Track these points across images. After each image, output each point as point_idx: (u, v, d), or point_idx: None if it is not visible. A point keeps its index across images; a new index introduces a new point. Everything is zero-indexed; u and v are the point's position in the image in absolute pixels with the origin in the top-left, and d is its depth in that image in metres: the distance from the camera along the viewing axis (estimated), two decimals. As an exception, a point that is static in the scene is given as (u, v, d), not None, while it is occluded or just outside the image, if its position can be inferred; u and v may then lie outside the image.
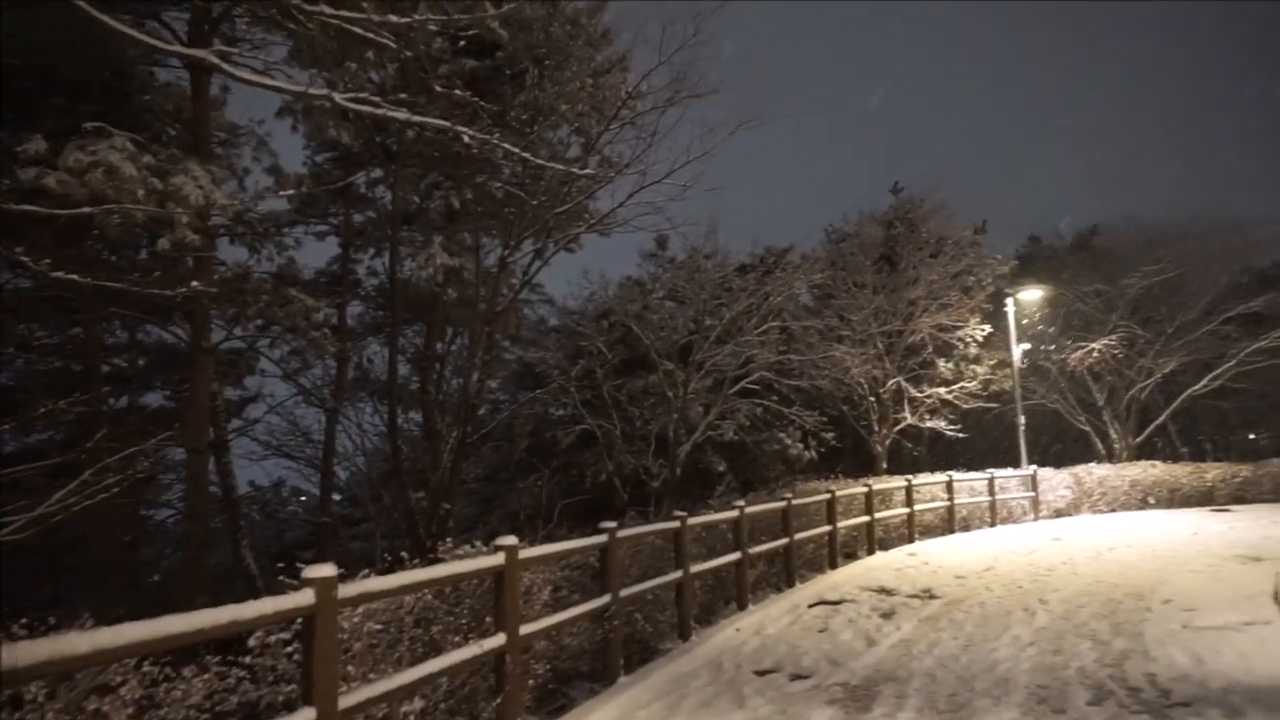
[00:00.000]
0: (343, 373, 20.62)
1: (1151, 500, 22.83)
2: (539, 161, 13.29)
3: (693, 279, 22.79)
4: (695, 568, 8.88)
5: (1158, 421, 27.98)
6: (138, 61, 13.78)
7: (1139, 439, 27.90)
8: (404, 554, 6.44)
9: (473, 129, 10.32)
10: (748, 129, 15.17)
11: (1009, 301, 24.14)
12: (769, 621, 9.32)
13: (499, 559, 5.57)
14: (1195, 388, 26.92)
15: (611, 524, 7.31)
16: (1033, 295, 25.42)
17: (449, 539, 7.08)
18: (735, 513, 10.11)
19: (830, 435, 23.63)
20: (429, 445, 18.09)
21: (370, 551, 20.06)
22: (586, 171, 15.15)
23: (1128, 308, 26.82)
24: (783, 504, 11.60)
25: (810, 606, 10.04)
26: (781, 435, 23.87)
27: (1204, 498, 23.31)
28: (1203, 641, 7.37)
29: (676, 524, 8.58)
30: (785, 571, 11.48)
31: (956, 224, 26.17)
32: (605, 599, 6.99)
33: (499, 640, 5.46)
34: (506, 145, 11.02)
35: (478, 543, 6.84)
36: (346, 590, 4.21)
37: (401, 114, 8.84)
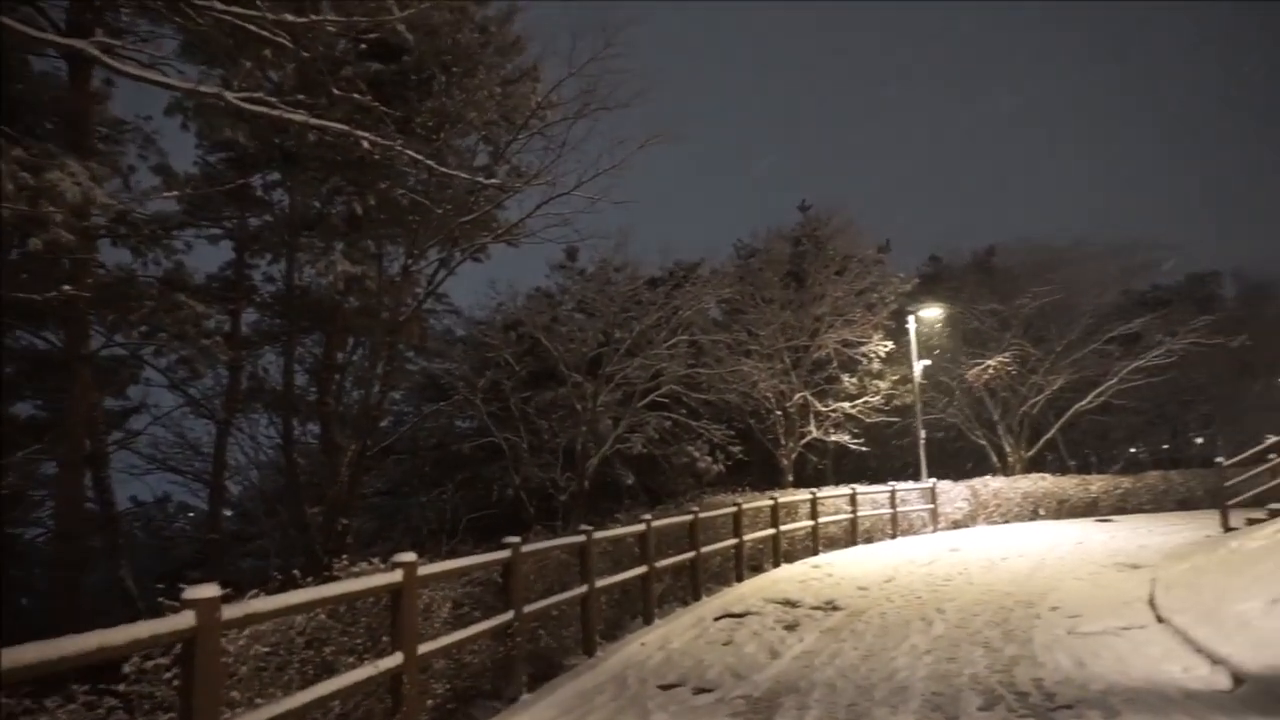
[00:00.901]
0: (235, 382, 19.85)
1: (1042, 511, 23.95)
2: (445, 170, 13.14)
3: (603, 291, 22.85)
4: (601, 582, 8.86)
5: (1048, 436, 29.38)
6: (11, 48, 13.02)
7: (1031, 452, 29.25)
8: (297, 572, 6.22)
9: (377, 134, 10.12)
10: (657, 144, 15.35)
11: (911, 318, 25.05)
12: (675, 635, 9.37)
13: (396, 576, 5.44)
14: (1082, 403, 28.41)
15: (515, 539, 7.24)
16: (933, 313, 26.44)
17: (346, 556, 6.88)
18: (642, 526, 10.14)
19: (738, 449, 23.97)
20: (327, 459, 17.56)
21: (264, 569, 19.30)
22: (493, 181, 15.07)
23: (1021, 326, 28.14)
24: (689, 517, 11.70)
25: (716, 619, 10.13)
26: (690, 448, 24.09)
27: (1089, 508, 24.61)
28: (1085, 646, 7.75)
29: (582, 538, 8.55)
30: (692, 585, 11.56)
31: (861, 242, 27.07)
32: (508, 615, 6.90)
33: (396, 660, 5.33)
34: (410, 152, 10.86)
35: (376, 559, 6.67)
36: (231, 611, 4.03)
37: (299, 116, 8.60)
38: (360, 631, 5.70)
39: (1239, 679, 6.11)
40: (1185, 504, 24.93)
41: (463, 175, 14.39)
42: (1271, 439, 15.96)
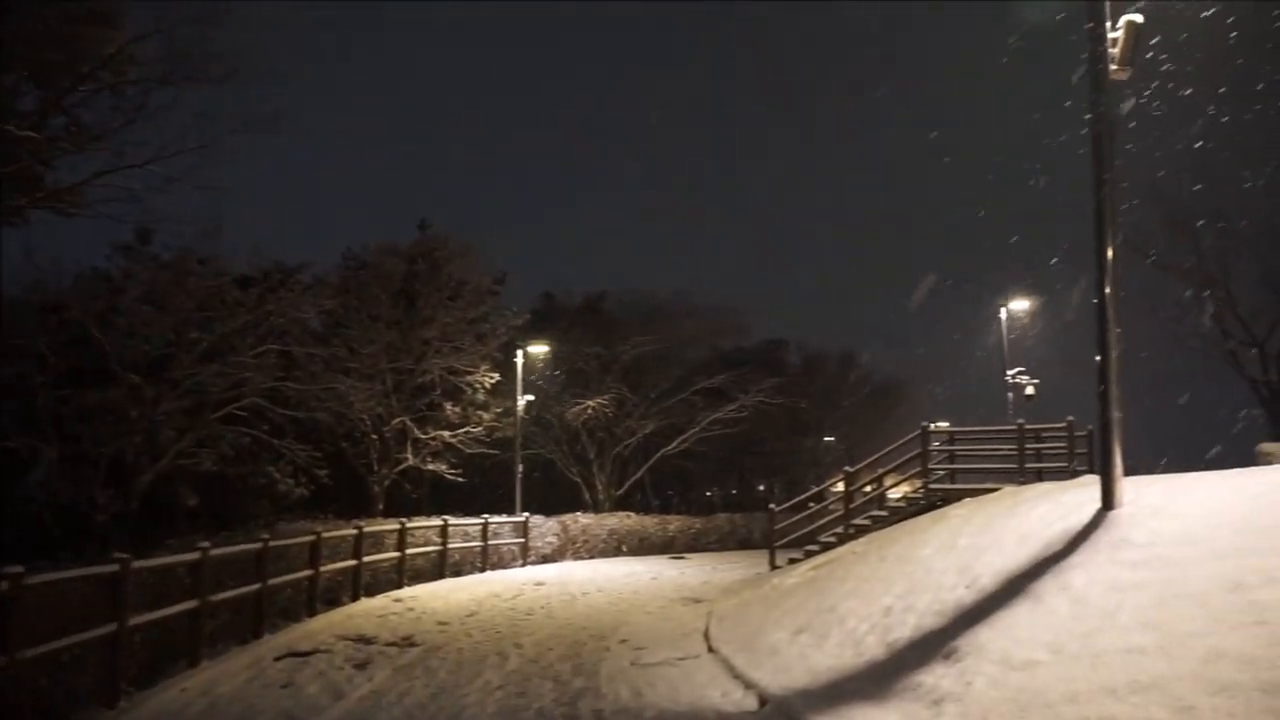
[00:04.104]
0: None
1: (625, 548, 25.93)
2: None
3: (180, 284, 20.54)
4: (137, 619, 7.83)
5: (636, 476, 32.07)
6: None
7: (620, 491, 31.67)
8: None
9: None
10: (256, 131, 14.32)
11: (519, 352, 25.94)
12: (224, 679, 8.57)
13: None
14: (668, 448, 31.48)
15: (16, 569, 6.14)
16: (541, 349, 27.68)
17: None
18: (197, 555, 9.20)
19: (324, 472, 22.84)
20: None
21: None
22: (27, 133, 12.90)
23: (621, 371, 30.52)
24: (258, 545, 10.87)
25: (277, 659, 9.47)
26: (271, 469, 22.46)
27: (667, 546, 27.18)
28: (645, 676, 8.48)
29: (115, 567, 7.50)
30: (255, 621, 10.71)
31: (479, 270, 27.50)
32: (-1, 661, 5.81)
33: None
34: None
35: None
36: None
37: None
38: None
39: (764, 700, 7.07)
40: (745, 544, 28.56)
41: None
42: (814, 489, 18.96)
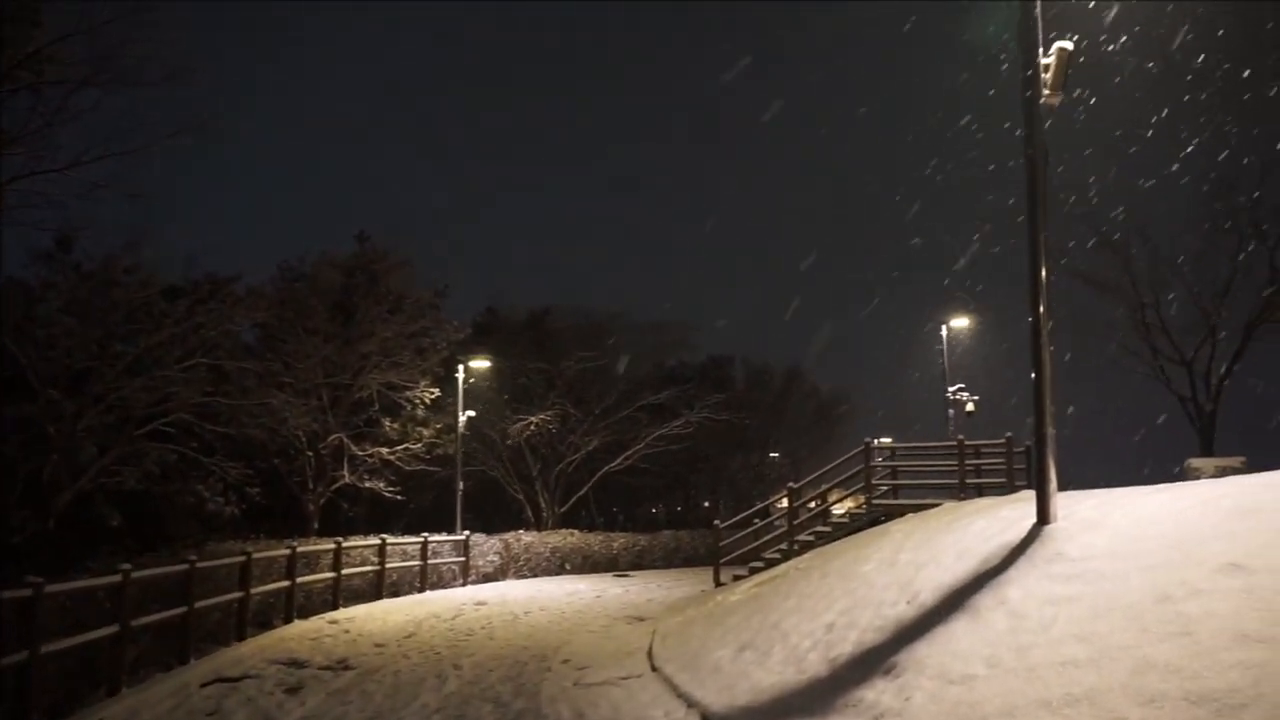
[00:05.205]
0: None
1: (568, 566, 25.82)
2: None
3: (104, 294, 19.98)
4: (52, 646, 7.58)
5: (580, 493, 31.94)
6: None
7: (564, 508, 31.51)
8: None
9: None
10: (182, 139, 14.06)
11: (461, 367, 25.72)
12: (147, 707, 8.33)
13: None
14: (612, 464, 31.43)
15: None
16: (484, 364, 27.49)
17: None
18: (118, 577, 8.94)
19: (257, 490, 22.33)
20: None
21: None
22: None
23: (565, 387, 30.43)
24: (185, 567, 10.61)
25: (204, 685, 9.24)
26: (200, 488, 21.88)
27: (611, 563, 27.13)
28: (587, 697, 8.45)
29: (28, 592, 7.26)
30: (181, 646, 10.44)
31: (420, 283, 27.25)
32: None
33: None
34: None
35: None
36: None
37: None
38: None
39: (706, 718, 7.09)
40: (691, 561, 28.65)
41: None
42: (758, 505, 19.12)
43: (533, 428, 28.89)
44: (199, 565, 10.90)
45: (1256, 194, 22.82)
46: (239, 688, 9.15)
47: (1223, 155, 22.46)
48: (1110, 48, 17.30)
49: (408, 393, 25.12)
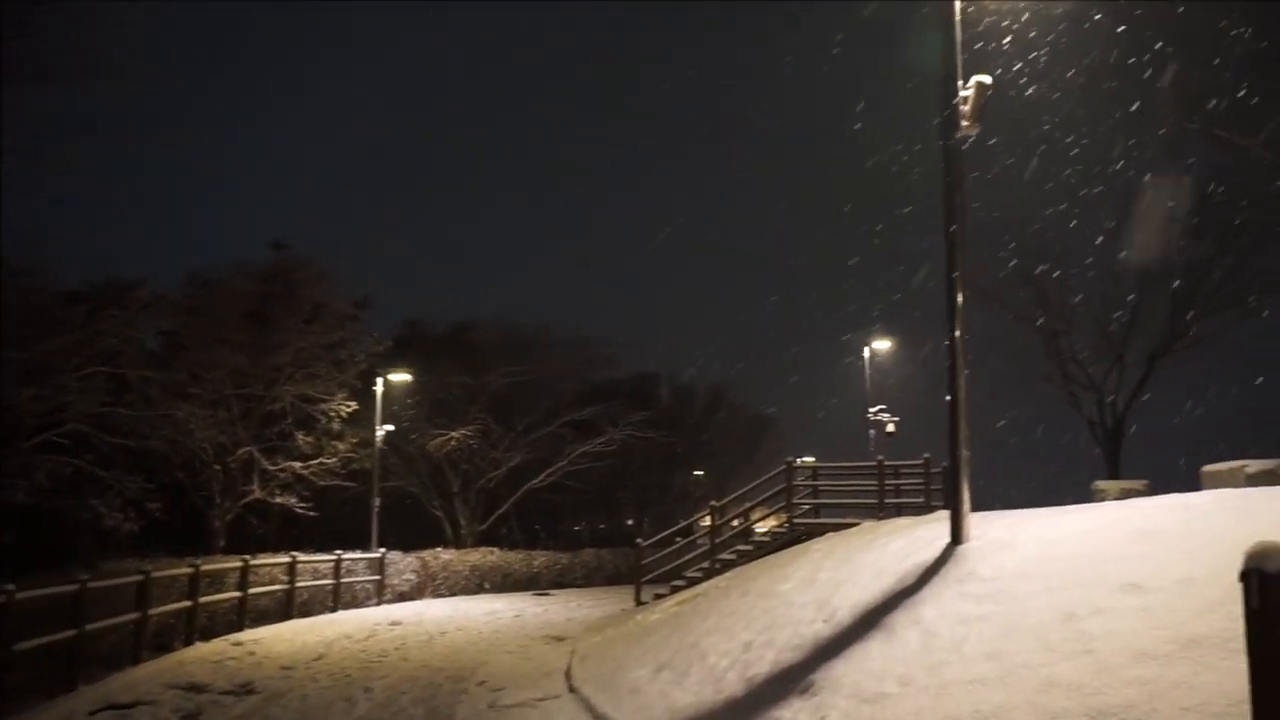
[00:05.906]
0: None
1: (488, 585, 25.49)
2: None
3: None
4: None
5: (501, 510, 31.60)
6: None
7: (485, 526, 31.13)
8: None
9: None
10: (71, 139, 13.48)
11: (380, 381, 25.26)
12: (29, 737, 7.92)
13: None
14: (535, 481, 31.20)
15: None
16: (404, 377, 27.04)
17: None
18: (1, 599, 8.49)
19: (157, 506, 21.51)
20: None
21: None
22: None
23: (488, 402, 30.12)
24: (75, 587, 10.15)
25: (92, 714, 8.85)
26: (96, 502, 20.95)
27: (531, 582, 26.88)
28: (504, 719, 8.33)
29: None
30: (68, 672, 9.95)
31: (338, 294, 26.69)
32: None
33: None
34: None
35: None
36: None
37: None
38: None
39: (624, 740, 7.06)
40: (614, 579, 28.54)
41: None
42: (681, 524, 19.18)
43: (454, 443, 28.51)
44: (91, 585, 10.44)
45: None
46: (130, 715, 8.79)
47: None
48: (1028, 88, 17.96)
49: (323, 405, 24.55)
